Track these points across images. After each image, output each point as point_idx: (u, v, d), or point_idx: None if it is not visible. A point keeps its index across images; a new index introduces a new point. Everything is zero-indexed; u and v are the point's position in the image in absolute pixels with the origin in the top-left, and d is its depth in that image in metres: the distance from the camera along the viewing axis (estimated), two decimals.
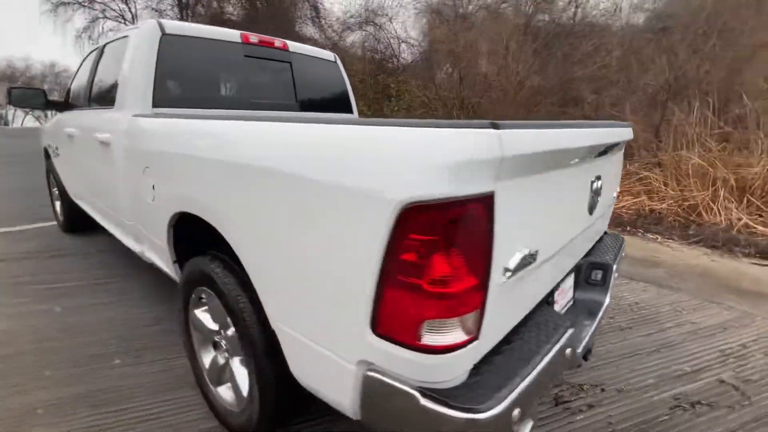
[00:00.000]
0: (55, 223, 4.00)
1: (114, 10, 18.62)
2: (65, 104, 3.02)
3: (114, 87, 2.17)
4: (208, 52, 2.12)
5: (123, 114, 1.91)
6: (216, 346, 1.55)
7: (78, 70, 2.96)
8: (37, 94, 2.91)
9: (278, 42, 2.44)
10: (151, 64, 1.91)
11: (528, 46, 7.59)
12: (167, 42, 1.96)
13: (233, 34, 2.23)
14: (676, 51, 7.33)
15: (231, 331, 1.40)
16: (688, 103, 7.27)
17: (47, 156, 3.71)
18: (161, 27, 1.95)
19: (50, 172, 3.66)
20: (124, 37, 2.13)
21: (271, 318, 1.12)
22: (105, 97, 2.23)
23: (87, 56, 2.85)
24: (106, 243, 3.42)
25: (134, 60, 1.93)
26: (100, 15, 18.23)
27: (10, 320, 2.24)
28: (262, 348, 1.18)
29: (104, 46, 2.45)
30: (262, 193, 1.06)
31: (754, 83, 6.96)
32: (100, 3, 18.16)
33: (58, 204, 3.78)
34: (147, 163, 1.61)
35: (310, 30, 15.43)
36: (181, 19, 18.51)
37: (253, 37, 2.31)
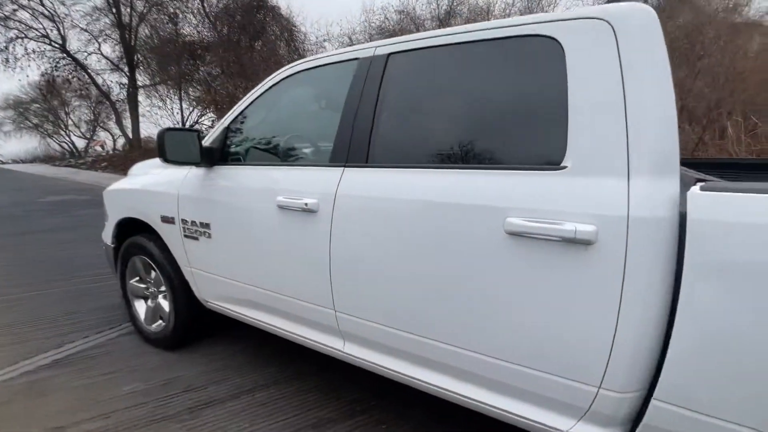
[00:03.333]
0: (121, 331, 2.60)
1: (36, 29, 15.82)
2: (229, 155, 1.84)
3: (511, 133, 1.17)
4: None
5: (664, 185, 0.94)
6: None
7: (260, 102, 1.77)
8: (190, 138, 1.70)
9: None
10: (669, 87, 0.99)
11: None
12: None
13: None
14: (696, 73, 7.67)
15: None
16: (720, 124, 7.62)
17: (123, 233, 2.37)
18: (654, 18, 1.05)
19: (134, 257, 2.32)
20: (502, 38, 1.17)
21: None
22: (489, 152, 1.21)
23: (286, 78, 1.70)
24: (242, 368, 2.18)
25: (634, 80, 0.98)
26: (20, 35, 15.33)
27: None
28: None
29: (387, 56, 1.41)
30: None
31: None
32: (18, 21, 15.30)
33: (142, 306, 2.42)
34: None
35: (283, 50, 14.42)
36: (124, 41, 16.29)
37: None
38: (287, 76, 1.72)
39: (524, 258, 1.06)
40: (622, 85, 0.99)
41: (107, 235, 2.51)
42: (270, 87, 1.77)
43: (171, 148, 1.61)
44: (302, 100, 1.77)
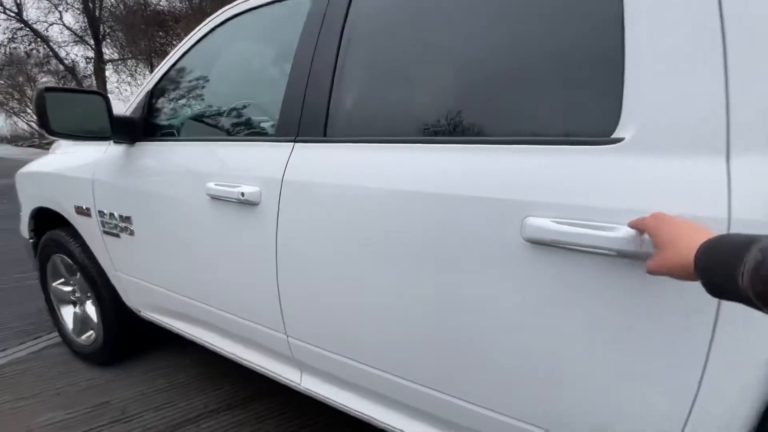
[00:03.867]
0: (48, 341, 2.18)
1: None
2: (154, 129, 1.41)
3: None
4: None
5: None
6: None
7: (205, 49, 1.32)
8: (94, 103, 1.26)
9: None
10: None
11: None
12: None
13: None
14: None
15: None
16: None
17: (42, 225, 1.94)
18: None
19: (54, 256, 1.90)
20: None
21: None
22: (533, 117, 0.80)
23: (222, 25, 1.26)
24: (189, 387, 1.77)
25: None
26: None
27: None
28: None
29: None
30: None
31: None
32: None
33: (69, 312, 2.01)
34: None
35: None
36: (88, 11, 15.07)
37: None
38: (222, 22, 1.28)
39: (552, 279, 0.70)
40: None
41: (24, 228, 2.07)
42: (201, 38, 1.33)
43: (57, 115, 1.17)
44: (243, 54, 1.35)
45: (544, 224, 0.69)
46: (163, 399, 1.76)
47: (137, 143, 1.44)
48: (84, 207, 1.58)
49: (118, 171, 1.46)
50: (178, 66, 1.40)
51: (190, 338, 1.52)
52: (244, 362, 1.33)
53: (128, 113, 1.47)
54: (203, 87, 1.40)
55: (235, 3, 1.30)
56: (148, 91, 1.44)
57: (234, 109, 1.30)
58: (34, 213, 1.92)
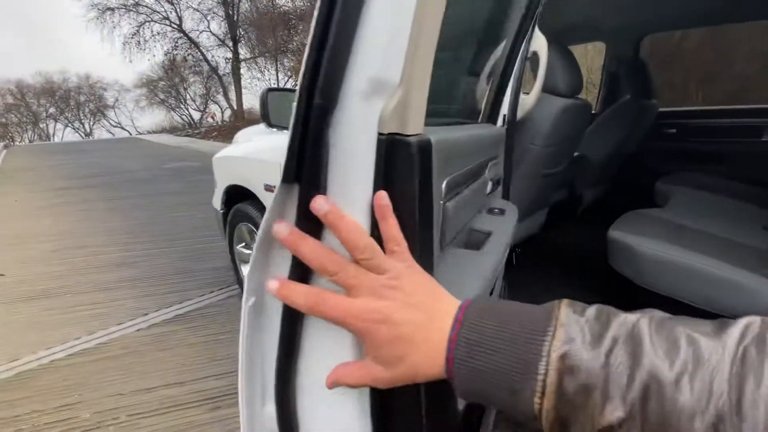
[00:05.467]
0: (231, 292, 2.74)
1: (159, 12, 17.76)
2: None
3: None
4: None
5: None
6: None
7: None
8: (292, 99, 1.59)
9: None
10: None
11: None
12: None
13: None
14: None
15: None
16: None
17: (230, 199, 2.43)
18: None
19: (240, 224, 2.37)
20: None
21: None
22: None
23: None
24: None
25: None
26: (147, 19, 17.39)
27: None
28: None
29: None
30: None
31: None
32: (146, 6, 17.31)
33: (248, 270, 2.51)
34: None
35: None
36: (228, 17, 17.43)
37: None
38: None
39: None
40: None
41: (216, 201, 2.60)
42: None
43: (275, 110, 1.48)
44: None
45: None
46: None
47: None
48: (272, 185, 1.94)
49: None
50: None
51: None
52: None
53: None
54: None
55: None
56: None
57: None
58: (227, 190, 2.40)
